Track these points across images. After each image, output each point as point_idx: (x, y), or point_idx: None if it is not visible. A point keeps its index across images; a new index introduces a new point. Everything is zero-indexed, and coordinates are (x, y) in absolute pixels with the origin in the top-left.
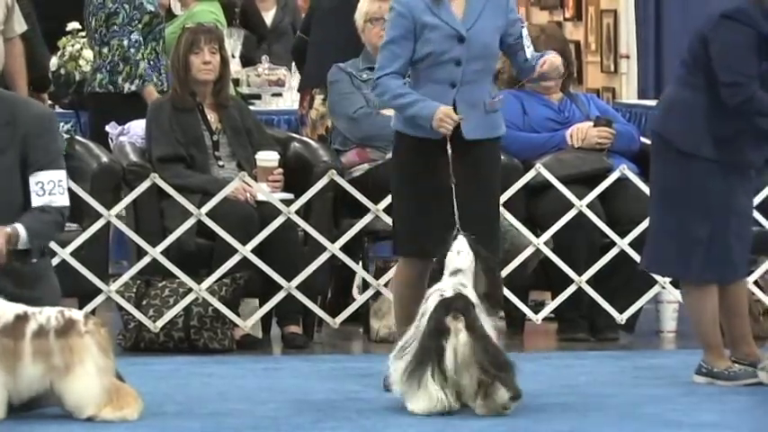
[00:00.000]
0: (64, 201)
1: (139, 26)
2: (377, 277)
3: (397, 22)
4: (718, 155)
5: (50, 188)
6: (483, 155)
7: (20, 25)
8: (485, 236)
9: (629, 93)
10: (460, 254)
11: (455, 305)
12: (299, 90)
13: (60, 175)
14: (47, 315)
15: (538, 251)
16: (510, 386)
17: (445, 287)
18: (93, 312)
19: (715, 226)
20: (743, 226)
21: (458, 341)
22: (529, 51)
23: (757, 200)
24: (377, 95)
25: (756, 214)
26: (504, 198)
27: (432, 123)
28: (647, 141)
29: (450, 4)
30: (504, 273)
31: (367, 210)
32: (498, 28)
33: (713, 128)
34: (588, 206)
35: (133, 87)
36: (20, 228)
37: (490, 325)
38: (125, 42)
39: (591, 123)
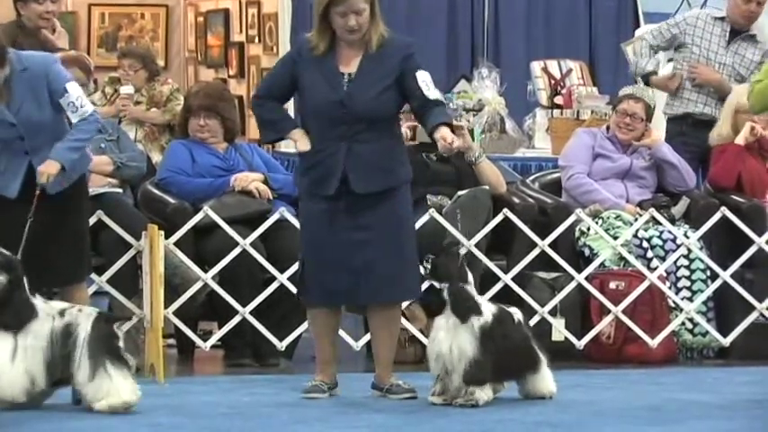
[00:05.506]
0: None
1: None
2: None
3: None
4: (305, 188)
5: None
6: (63, 201)
7: None
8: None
9: (286, 143)
10: None
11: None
12: None
13: None
14: None
15: (206, 285)
16: None
17: None
18: None
19: (316, 255)
20: (348, 255)
21: None
22: (73, 116)
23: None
24: None
25: None
26: (175, 237)
27: None
28: None
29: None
30: (176, 305)
31: None
32: (40, 104)
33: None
34: (251, 244)
35: None
36: None
37: None
38: None
39: (254, 174)
